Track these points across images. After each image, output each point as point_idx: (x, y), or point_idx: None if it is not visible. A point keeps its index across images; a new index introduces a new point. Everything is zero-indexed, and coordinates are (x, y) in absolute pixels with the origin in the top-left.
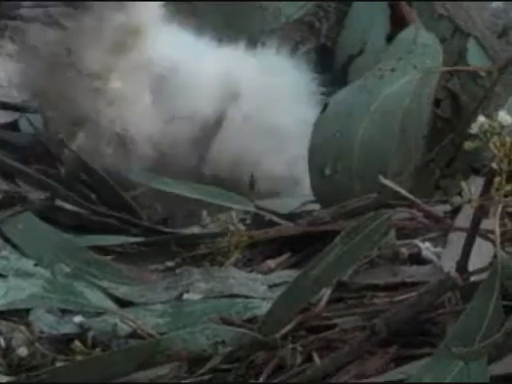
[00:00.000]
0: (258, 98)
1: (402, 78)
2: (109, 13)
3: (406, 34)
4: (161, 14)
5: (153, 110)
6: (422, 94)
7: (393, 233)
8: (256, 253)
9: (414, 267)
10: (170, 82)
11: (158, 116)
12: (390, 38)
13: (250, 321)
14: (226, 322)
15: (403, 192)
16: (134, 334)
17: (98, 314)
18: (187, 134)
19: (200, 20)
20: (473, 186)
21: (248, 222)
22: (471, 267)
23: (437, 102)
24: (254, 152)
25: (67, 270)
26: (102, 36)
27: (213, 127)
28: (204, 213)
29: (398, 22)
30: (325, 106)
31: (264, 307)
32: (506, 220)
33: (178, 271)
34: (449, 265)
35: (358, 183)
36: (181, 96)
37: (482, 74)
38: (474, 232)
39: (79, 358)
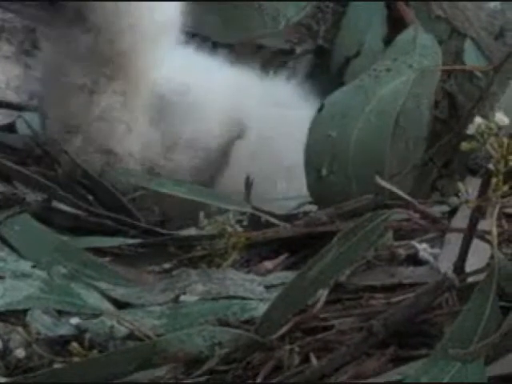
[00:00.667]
0: (266, 130)
1: (398, 78)
2: (105, 26)
3: (405, 36)
4: (165, 31)
5: (154, 132)
6: (420, 94)
7: (390, 234)
8: (253, 254)
9: (411, 268)
10: (175, 107)
11: (159, 140)
12: (386, 40)
13: (247, 322)
14: (223, 323)
15: (400, 193)
16: (131, 336)
17: (95, 316)
18: (190, 163)
19: (200, 24)
20: (470, 187)
21: (245, 223)
22: (468, 268)
23: (434, 103)
24: (262, 185)
25: (64, 271)
26: (95, 50)
27: (218, 158)
28: (201, 214)
29: (395, 24)
30: (320, 107)
31: (261, 308)
32: (503, 221)
33: (175, 273)
34: (446, 266)
35: (354, 184)
36: (186, 123)
37: (479, 74)
38: (471, 233)
39: (76, 359)
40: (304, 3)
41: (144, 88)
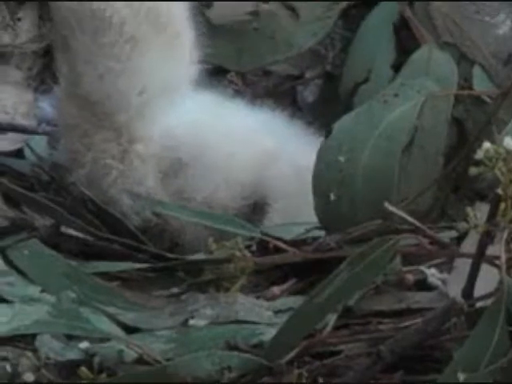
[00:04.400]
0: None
1: (406, 103)
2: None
3: (419, 55)
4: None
5: (162, 187)
6: (438, 110)
7: (398, 259)
8: (261, 279)
9: (420, 293)
10: (186, 168)
11: (166, 193)
12: (396, 66)
13: (256, 346)
14: (232, 347)
15: (409, 218)
16: (140, 360)
17: (104, 340)
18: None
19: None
20: (478, 212)
21: (253, 248)
22: (477, 293)
23: None
24: None
25: (73, 296)
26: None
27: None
28: (210, 239)
29: (404, 50)
30: (329, 132)
31: (270, 333)
32: None
33: (183, 297)
34: (454, 291)
35: (362, 209)
36: (196, 185)
37: (488, 100)
38: (479, 258)
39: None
40: (316, 30)
41: (146, 141)
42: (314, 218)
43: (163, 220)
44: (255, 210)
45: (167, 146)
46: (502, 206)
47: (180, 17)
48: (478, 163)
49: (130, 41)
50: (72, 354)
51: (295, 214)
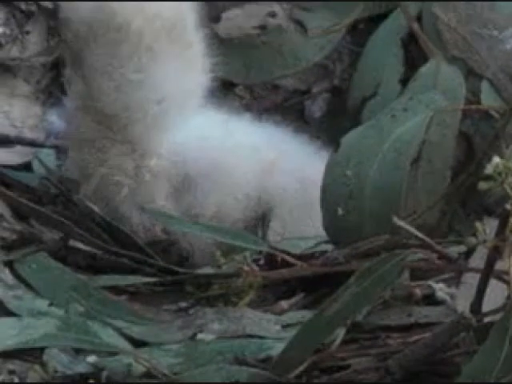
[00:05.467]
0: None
1: (414, 117)
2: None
3: (427, 69)
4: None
5: (174, 204)
6: (445, 124)
7: (407, 274)
8: (269, 293)
9: (428, 308)
10: (195, 183)
11: (177, 210)
12: (403, 80)
13: (264, 361)
14: (240, 362)
15: (417, 233)
16: (148, 374)
17: (112, 354)
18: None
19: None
20: (487, 227)
21: (261, 262)
22: (485, 308)
23: None
24: None
25: (81, 309)
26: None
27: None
28: (218, 253)
29: (412, 64)
30: (337, 147)
31: (278, 347)
32: None
33: (191, 311)
34: (463, 305)
35: (370, 223)
36: (205, 201)
37: (495, 115)
38: (488, 273)
39: None
40: (324, 44)
41: (158, 156)
42: (317, 231)
43: (172, 236)
44: (261, 222)
45: (176, 162)
46: (511, 221)
47: (192, 27)
48: (487, 178)
49: (148, 52)
50: (80, 368)
51: (299, 226)
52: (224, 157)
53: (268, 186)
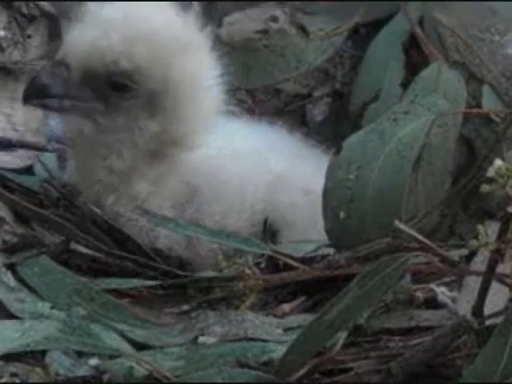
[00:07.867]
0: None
1: (415, 121)
2: (144, 121)
3: (428, 72)
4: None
5: (178, 212)
6: (446, 127)
7: (408, 277)
8: (271, 296)
9: (430, 311)
10: (198, 193)
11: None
12: (404, 84)
13: (266, 364)
14: (242, 364)
15: (418, 236)
16: (150, 377)
17: (114, 357)
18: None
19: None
20: (489, 230)
21: (263, 265)
22: (487, 311)
23: None
24: None
25: (83, 312)
26: (134, 141)
27: None
28: (220, 256)
29: (413, 68)
30: (338, 150)
31: (279, 350)
32: None
33: (193, 314)
34: (464, 309)
35: (372, 226)
36: (208, 210)
37: (496, 119)
38: (489, 276)
39: None
40: (325, 47)
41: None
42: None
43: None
44: (266, 234)
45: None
46: None
47: None
48: (489, 181)
49: None
50: (82, 371)
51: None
52: (227, 166)
53: (273, 197)
